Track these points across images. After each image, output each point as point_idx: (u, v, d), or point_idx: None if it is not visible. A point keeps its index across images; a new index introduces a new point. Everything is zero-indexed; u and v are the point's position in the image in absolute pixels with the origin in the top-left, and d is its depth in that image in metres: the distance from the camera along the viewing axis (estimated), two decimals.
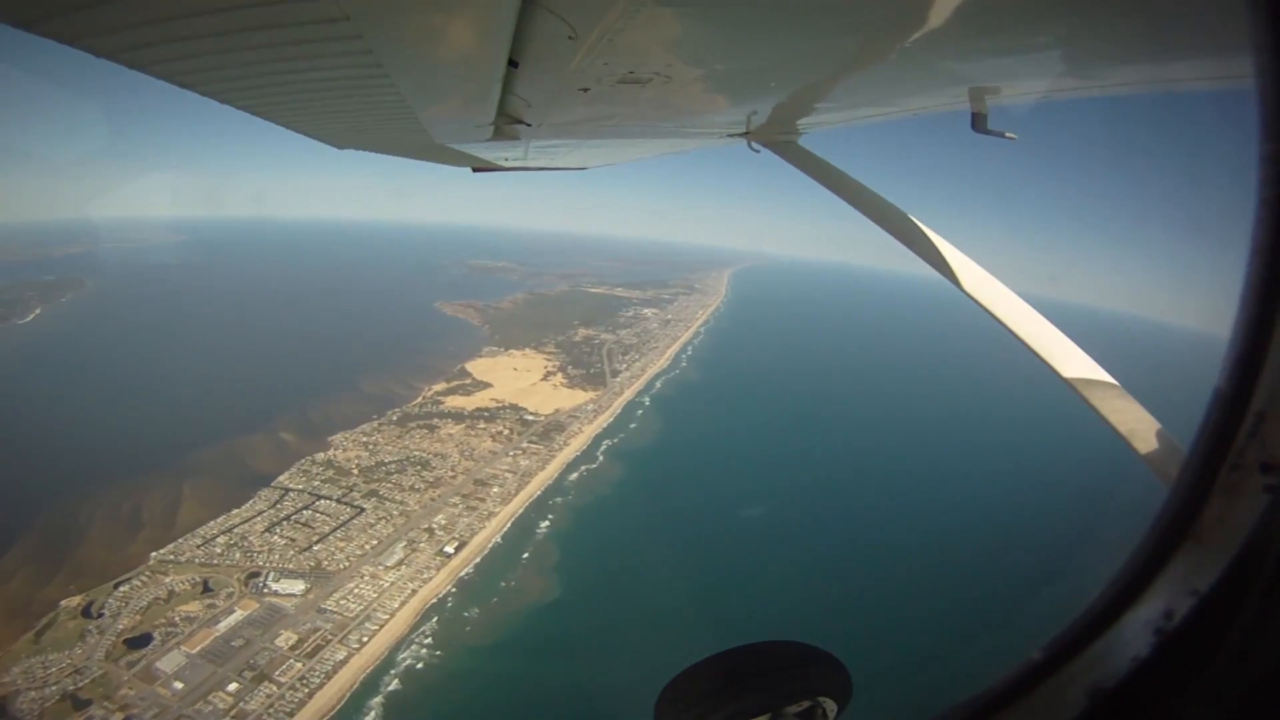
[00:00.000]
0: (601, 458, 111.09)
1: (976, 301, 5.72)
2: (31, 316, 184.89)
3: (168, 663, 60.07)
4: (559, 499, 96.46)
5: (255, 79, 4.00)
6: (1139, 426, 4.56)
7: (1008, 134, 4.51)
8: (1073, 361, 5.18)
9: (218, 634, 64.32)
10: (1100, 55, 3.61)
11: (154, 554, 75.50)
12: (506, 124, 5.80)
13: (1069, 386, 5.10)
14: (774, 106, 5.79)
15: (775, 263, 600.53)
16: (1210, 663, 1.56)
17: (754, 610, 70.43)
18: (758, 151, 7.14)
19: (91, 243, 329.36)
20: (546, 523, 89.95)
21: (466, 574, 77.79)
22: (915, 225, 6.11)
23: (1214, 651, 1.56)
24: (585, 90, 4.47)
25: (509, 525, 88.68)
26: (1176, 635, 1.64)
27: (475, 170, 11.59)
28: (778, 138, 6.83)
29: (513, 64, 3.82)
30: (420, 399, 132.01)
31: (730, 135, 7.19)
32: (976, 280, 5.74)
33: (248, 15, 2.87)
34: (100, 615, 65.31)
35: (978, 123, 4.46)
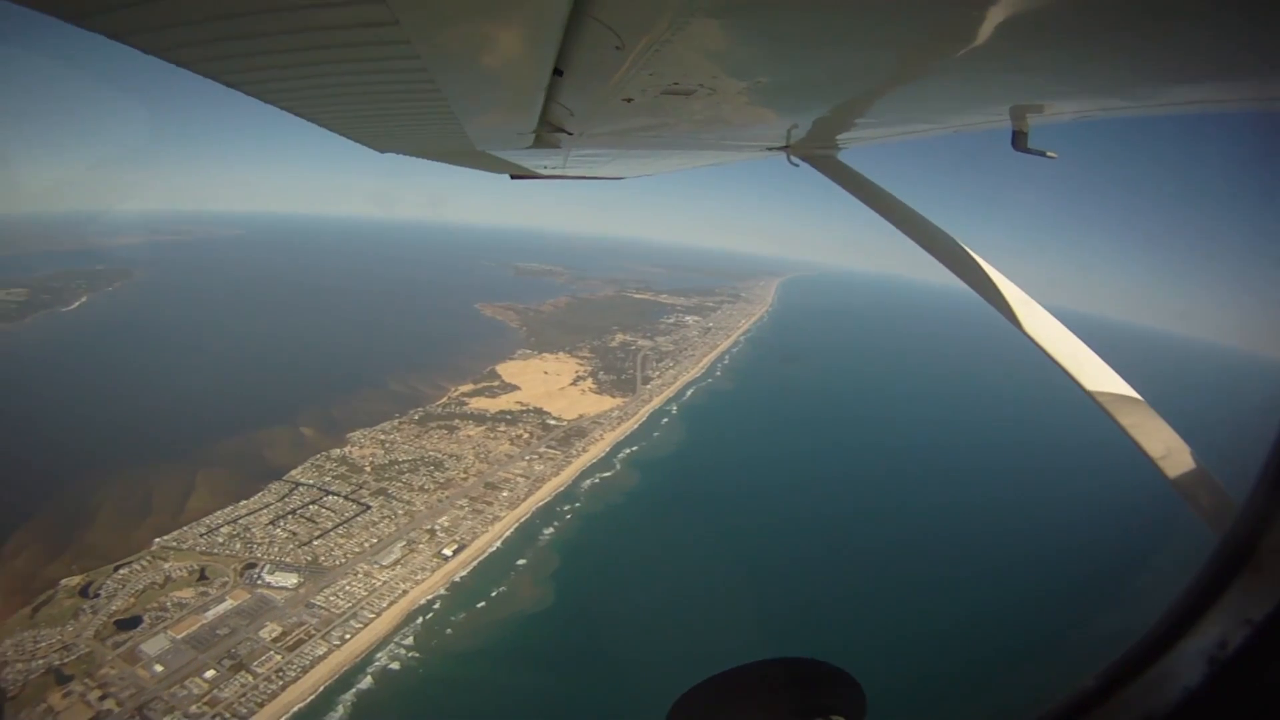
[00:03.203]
0: (618, 465, 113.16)
1: (1015, 322, 6.04)
2: (77, 304, 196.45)
3: (152, 646, 64.87)
4: (568, 506, 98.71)
5: (299, 80, 4.19)
6: (1171, 452, 4.81)
7: (1049, 153, 4.68)
8: (1105, 382, 5.44)
9: (205, 621, 69.02)
10: (1148, 74, 3.64)
11: (157, 540, 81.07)
12: (548, 132, 6.03)
13: (1100, 408, 5.38)
14: (815, 121, 6.02)
15: (827, 273, 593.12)
16: (1262, 694, 1.55)
17: (765, 626, 71.11)
18: (797, 165, 7.45)
19: (144, 234, 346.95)
20: (551, 529, 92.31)
21: (460, 577, 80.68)
22: (955, 243, 6.50)
23: (1267, 683, 1.55)
24: (629, 100, 4.69)
25: (512, 530, 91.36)
26: (1229, 665, 1.61)
27: (513, 177, 12.05)
28: (817, 152, 7.14)
29: (558, 72, 3.99)
30: (445, 399, 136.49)
31: (770, 149, 7.45)
32: (1015, 300, 6.08)
33: (295, 17, 3.03)
34: (96, 596, 70.83)
35: (1018, 141, 4.63)
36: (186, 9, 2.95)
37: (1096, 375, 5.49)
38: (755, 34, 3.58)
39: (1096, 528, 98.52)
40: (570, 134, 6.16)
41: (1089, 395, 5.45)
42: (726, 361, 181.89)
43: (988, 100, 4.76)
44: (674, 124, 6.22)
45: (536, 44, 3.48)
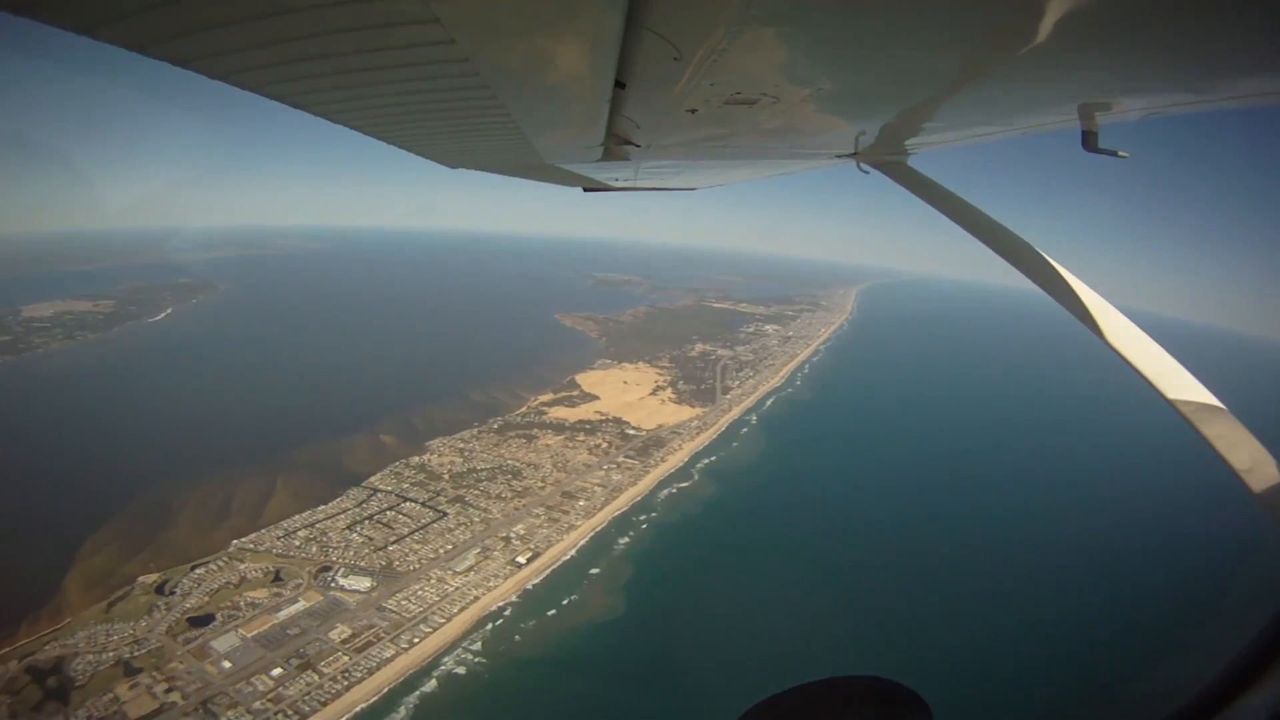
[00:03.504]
0: (696, 476, 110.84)
1: (1094, 328, 5.82)
2: (163, 315, 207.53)
3: (222, 643, 65.44)
4: (644, 516, 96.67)
5: (366, 100, 4.26)
6: (1257, 465, 4.65)
7: (1120, 153, 4.50)
8: (1186, 390, 5.25)
9: (276, 621, 69.33)
10: (1218, 65, 3.41)
11: (235, 541, 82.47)
12: (616, 145, 6.03)
13: (1182, 417, 5.18)
14: (882, 127, 5.87)
15: (908, 280, 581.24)
16: None
17: (839, 639, 68.17)
18: (867, 173, 7.24)
19: (229, 249, 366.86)
20: (626, 539, 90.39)
21: (533, 585, 79.26)
22: (1030, 248, 6.25)
23: None
24: (693, 111, 4.60)
25: (587, 539, 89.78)
26: None
27: (586, 190, 12.14)
28: (886, 158, 6.93)
29: (620, 85, 3.97)
30: (524, 409, 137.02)
31: (839, 156, 7.33)
32: (1093, 306, 5.87)
33: (356, 38, 3.03)
34: (172, 593, 72.20)
35: (1088, 141, 4.44)
36: (251, 35, 2.98)
37: (1177, 383, 5.32)
38: (813, 41, 3.49)
39: (1180, 541, 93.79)
40: (638, 146, 6.16)
41: (1170, 404, 5.27)
42: (806, 371, 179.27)
43: (1054, 99, 4.58)
44: (740, 134, 6.12)
45: (593, 57, 3.44)
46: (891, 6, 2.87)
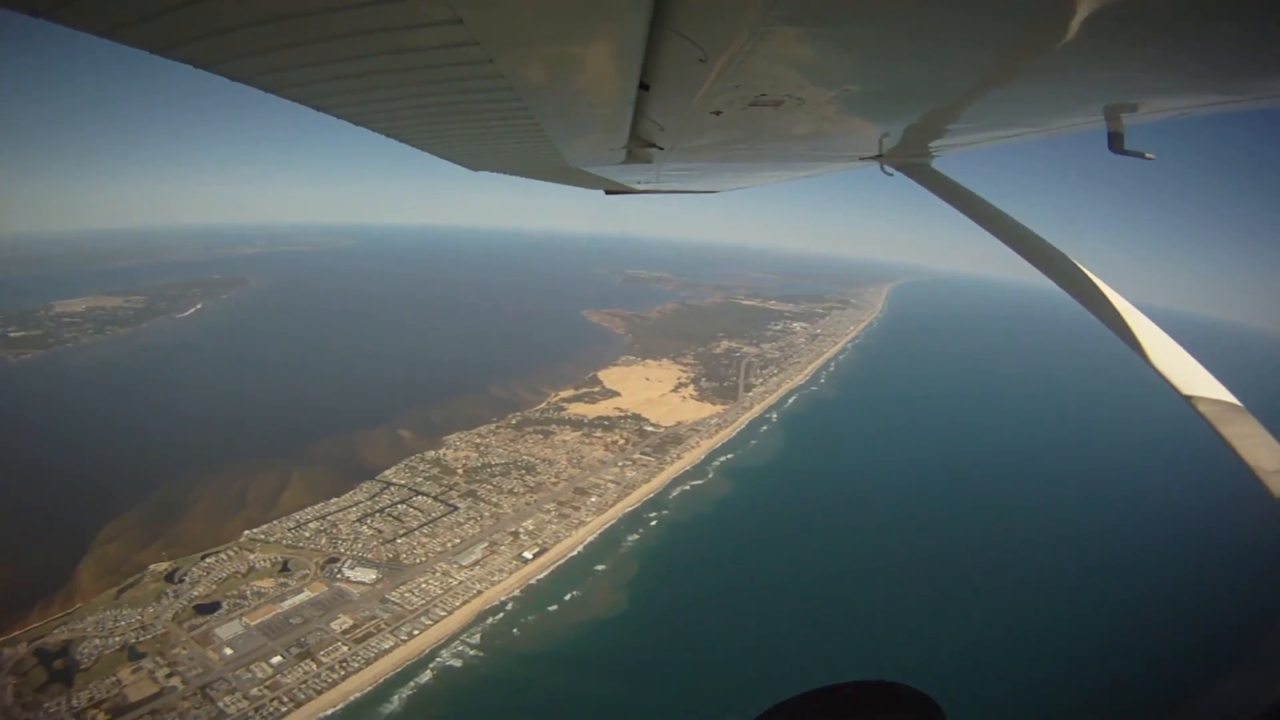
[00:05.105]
0: (711, 474, 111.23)
1: (1117, 328, 5.94)
2: (191, 311, 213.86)
3: (226, 630, 67.91)
4: (654, 513, 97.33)
5: (386, 103, 4.38)
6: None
7: (1147, 154, 4.57)
8: (1205, 389, 5.33)
9: (280, 610, 71.67)
10: (1252, 65, 3.43)
11: (246, 532, 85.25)
12: (639, 147, 6.18)
13: (1199, 415, 5.28)
14: (906, 129, 5.93)
15: (942, 279, 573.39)
16: None
17: (850, 641, 68.88)
18: (890, 175, 7.30)
19: (263, 245, 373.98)
20: (635, 536, 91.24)
21: (537, 580, 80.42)
22: (1054, 249, 6.41)
23: None
24: (717, 113, 4.68)
25: (595, 535, 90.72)
26: None
27: (608, 193, 12.40)
28: (910, 161, 7.01)
29: (644, 87, 4.06)
30: (544, 404, 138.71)
31: (862, 158, 7.37)
32: (1121, 306, 5.97)
33: (377, 40, 3.12)
34: (181, 581, 75.08)
35: (1115, 143, 4.48)
36: (274, 37, 3.05)
37: (1196, 381, 5.37)
38: (838, 43, 3.50)
39: (1204, 545, 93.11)
40: (661, 149, 6.25)
41: (1188, 402, 5.35)
42: (832, 369, 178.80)
43: (1080, 101, 4.57)
44: (764, 136, 6.23)
45: (619, 60, 3.49)
46: (916, 9, 2.98)
